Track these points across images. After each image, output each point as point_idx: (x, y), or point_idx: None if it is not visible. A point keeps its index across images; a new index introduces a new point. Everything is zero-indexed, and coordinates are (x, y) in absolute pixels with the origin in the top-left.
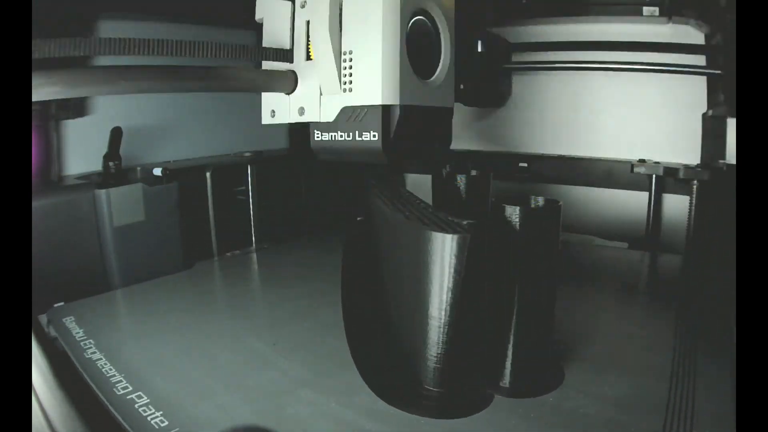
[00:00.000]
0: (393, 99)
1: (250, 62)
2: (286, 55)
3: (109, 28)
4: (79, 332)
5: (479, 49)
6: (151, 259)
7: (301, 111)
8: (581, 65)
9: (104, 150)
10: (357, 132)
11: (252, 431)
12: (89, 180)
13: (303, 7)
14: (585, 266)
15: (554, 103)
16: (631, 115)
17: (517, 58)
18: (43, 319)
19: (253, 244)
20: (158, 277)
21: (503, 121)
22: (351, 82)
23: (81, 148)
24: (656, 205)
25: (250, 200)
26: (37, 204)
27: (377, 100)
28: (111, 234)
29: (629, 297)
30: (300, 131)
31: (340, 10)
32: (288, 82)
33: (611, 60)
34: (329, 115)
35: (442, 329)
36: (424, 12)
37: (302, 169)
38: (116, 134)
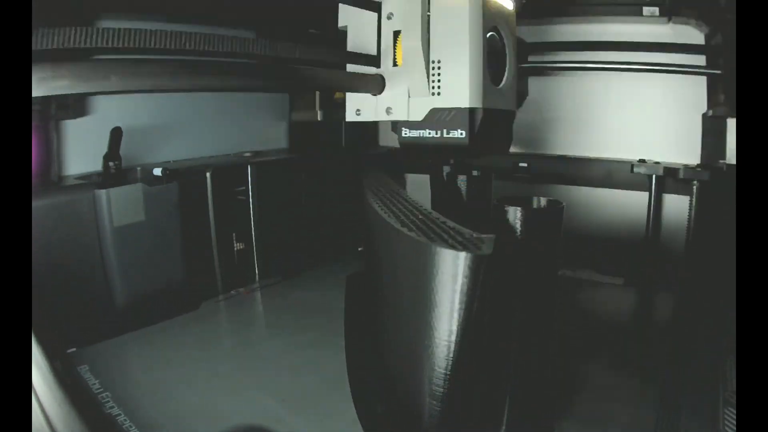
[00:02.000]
0: (477, 102)
1: (326, 63)
2: (374, 60)
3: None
4: (95, 383)
5: None
6: (152, 259)
7: (389, 110)
8: (581, 65)
9: (104, 150)
10: (444, 130)
11: (252, 431)
12: (89, 180)
13: (389, 18)
14: (576, 307)
15: (554, 103)
16: (631, 115)
17: None
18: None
19: (255, 263)
20: (162, 290)
21: None
22: (439, 87)
23: (81, 148)
24: (656, 205)
25: (250, 201)
26: (36, 204)
27: (465, 103)
28: (111, 234)
29: (618, 342)
30: (300, 131)
31: (428, 24)
32: (377, 85)
33: (611, 60)
34: (417, 115)
35: (448, 365)
36: (495, 29)
37: (303, 169)
38: (116, 134)
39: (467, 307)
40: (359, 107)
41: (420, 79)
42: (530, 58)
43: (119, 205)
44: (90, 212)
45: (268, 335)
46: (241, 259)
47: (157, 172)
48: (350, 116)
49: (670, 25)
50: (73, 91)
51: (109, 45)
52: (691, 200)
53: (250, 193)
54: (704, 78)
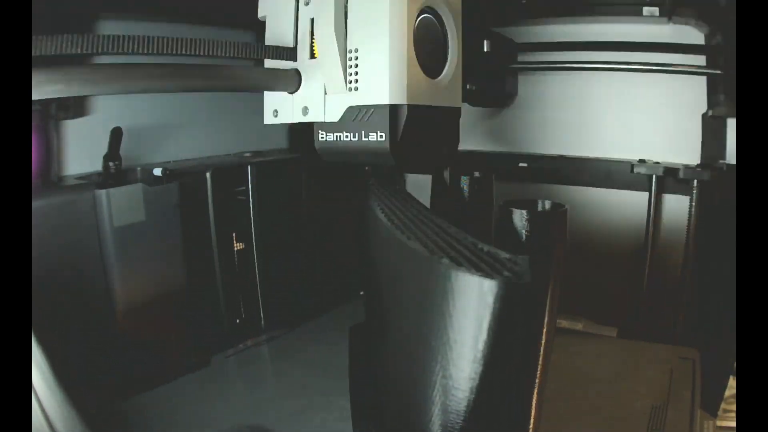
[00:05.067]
0: (400, 98)
1: (251, 61)
2: (290, 53)
3: (108, 28)
4: None
5: (486, 49)
6: (152, 259)
7: (305, 111)
8: (581, 65)
9: (104, 150)
10: (363, 132)
11: (252, 431)
12: (89, 180)
13: (307, 4)
14: (566, 364)
15: (554, 103)
16: (631, 115)
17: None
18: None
19: (256, 263)
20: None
21: (503, 121)
22: (357, 81)
23: (81, 148)
24: (656, 205)
25: (250, 201)
26: (36, 204)
27: (384, 99)
28: (111, 234)
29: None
30: (300, 131)
31: (346, 7)
32: (291, 81)
33: (611, 60)
34: (334, 115)
35: (466, 407)
36: (430, 9)
37: (303, 169)
38: (116, 134)
39: (493, 348)
40: (277, 107)
41: (335, 71)
42: (529, 59)
43: (119, 205)
44: (90, 212)
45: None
46: (241, 260)
47: (157, 172)
48: (268, 118)
49: (670, 25)
50: (63, 95)
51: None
52: (691, 200)
53: (250, 193)
54: (704, 78)
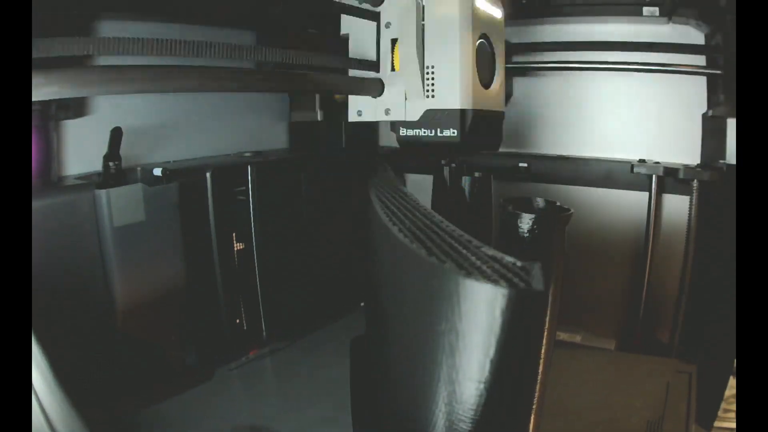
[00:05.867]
0: (468, 104)
1: (322, 69)
2: (374, 66)
3: (107, 28)
4: None
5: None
6: (152, 259)
7: (387, 111)
8: (581, 65)
9: (104, 150)
10: (438, 129)
11: (253, 431)
12: (89, 180)
13: (388, 27)
14: (563, 378)
15: (554, 103)
16: (631, 115)
17: (517, 58)
18: None
19: (256, 265)
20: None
21: (504, 121)
22: (433, 90)
23: (81, 148)
24: (656, 205)
25: (250, 201)
26: (36, 204)
27: (456, 104)
28: (111, 234)
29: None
30: (300, 131)
31: (423, 32)
32: (376, 88)
33: (611, 60)
34: (414, 115)
35: (471, 418)
36: (485, 36)
37: (303, 169)
38: (116, 134)
39: (501, 359)
40: (360, 108)
41: (415, 82)
42: (530, 59)
43: (119, 205)
44: (90, 212)
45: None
46: (241, 260)
47: (157, 172)
48: (352, 117)
49: (670, 25)
50: (61, 96)
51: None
52: (691, 200)
53: (250, 193)
54: (704, 78)
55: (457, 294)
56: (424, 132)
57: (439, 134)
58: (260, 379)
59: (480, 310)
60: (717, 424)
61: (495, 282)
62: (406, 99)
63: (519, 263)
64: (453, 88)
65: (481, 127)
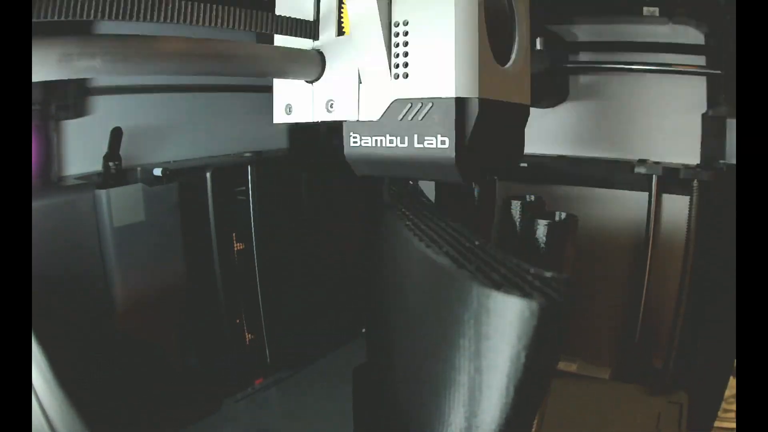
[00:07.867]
0: (470, 90)
1: (254, 36)
2: (310, 28)
3: (107, 26)
4: None
5: (537, 47)
6: (152, 259)
7: (330, 105)
8: (581, 65)
9: (104, 150)
10: (416, 135)
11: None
12: (89, 180)
13: None
14: (556, 409)
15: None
16: (631, 115)
17: None
18: None
19: (256, 267)
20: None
21: None
22: (406, 66)
23: (81, 148)
24: (656, 205)
25: (251, 201)
26: (36, 204)
27: (448, 91)
28: (111, 234)
29: None
30: (301, 131)
31: None
32: (311, 66)
33: (611, 60)
34: (372, 112)
35: None
36: None
37: (303, 169)
38: (116, 134)
39: (525, 377)
40: (290, 102)
41: (375, 52)
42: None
43: (119, 205)
44: (90, 212)
45: None
46: (241, 260)
47: (157, 172)
48: (278, 116)
49: (670, 25)
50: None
51: None
52: (691, 200)
53: (250, 193)
54: (704, 78)
55: (486, 307)
56: (390, 141)
57: (416, 145)
58: (267, 417)
59: (510, 323)
60: (717, 424)
61: (528, 295)
62: (360, 83)
63: (546, 274)
64: (443, 60)
65: (494, 133)
